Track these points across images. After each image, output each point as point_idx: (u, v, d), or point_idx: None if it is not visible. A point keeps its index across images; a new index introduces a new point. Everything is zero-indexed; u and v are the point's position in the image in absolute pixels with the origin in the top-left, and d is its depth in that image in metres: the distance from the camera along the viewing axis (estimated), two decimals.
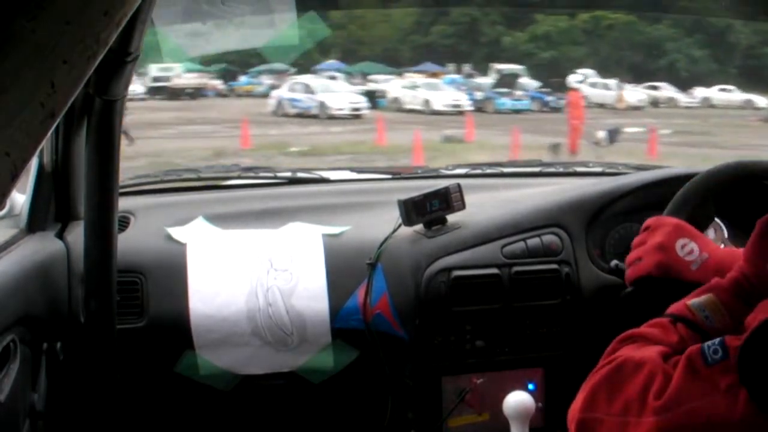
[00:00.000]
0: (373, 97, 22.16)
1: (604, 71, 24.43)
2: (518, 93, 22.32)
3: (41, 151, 1.63)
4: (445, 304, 1.70)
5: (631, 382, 1.00)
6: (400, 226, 1.77)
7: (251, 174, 2.20)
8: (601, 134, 13.59)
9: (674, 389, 0.96)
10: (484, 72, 27.31)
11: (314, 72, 26.89)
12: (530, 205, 1.83)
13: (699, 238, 1.35)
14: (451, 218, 1.80)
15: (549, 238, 1.76)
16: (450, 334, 1.72)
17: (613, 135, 13.61)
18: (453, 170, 2.25)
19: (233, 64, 30.54)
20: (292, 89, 21.44)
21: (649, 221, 1.42)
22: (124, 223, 1.83)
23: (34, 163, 1.64)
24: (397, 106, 21.82)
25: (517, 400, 1.57)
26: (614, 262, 1.71)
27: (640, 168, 2.15)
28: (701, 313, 1.10)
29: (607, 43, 29.71)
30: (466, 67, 29.65)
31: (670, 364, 0.99)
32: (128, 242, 1.70)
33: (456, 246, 1.74)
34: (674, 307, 1.14)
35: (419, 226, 1.79)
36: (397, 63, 30.62)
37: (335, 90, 21.65)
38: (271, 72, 29.33)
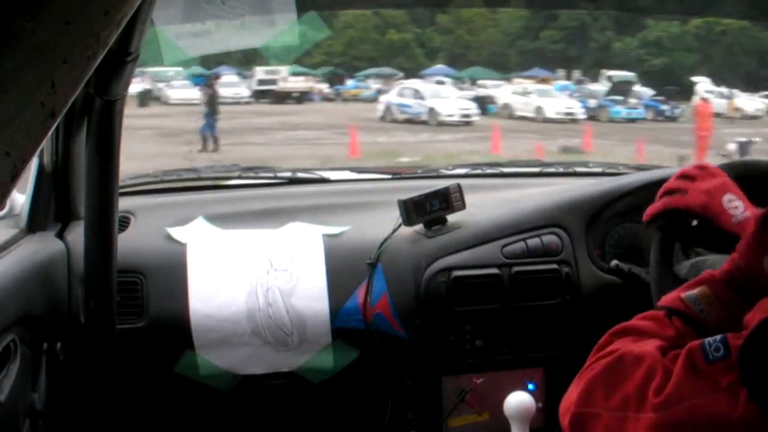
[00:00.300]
0: (482, 103, 21.26)
1: (718, 79, 23.33)
2: (633, 101, 21.44)
3: (41, 151, 1.63)
4: (445, 304, 1.70)
5: (631, 377, 0.98)
6: (400, 226, 1.77)
7: (251, 174, 2.20)
8: (732, 147, 12.86)
9: (674, 386, 0.94)
10: (594, 78, 26.38)
11: (421, 77, 26.28)
12: (530, 205, 1.83)
13: (745, 199, 1.35)
14: (451, 218, 1.80)
15: (549, 238, 1.76)
16: (450, 334, 1.72)
17: (744, 148, 12.75)
18: (453, 170, 2.25)
19: (340, 67, 29.84)
20: (401, 94, 20.71)
21: (705, 164, 1.41)
22: (124, 223, 1.83)
23: (34, 163, 1.64)
24: (507, 113, 21.01)
25: (518, 400, 1.57)
26: (614, 262, 1.71)
27: (640, 168, 2.15)
28: (696, 307, 1.09)
29: (720, 50, 28.53)
30: (576, 73, 28.69)
31: (668, 359, 0.98)
32: (128, 242, 1.70)
33: (456, 246, 1.74)
34: (667, 300, 1.13)
35: (419, 226, 1.79)
36: (505, 68, 29.73)
37: (445, 95, 20.82)
38: (378, 76, 28.82)
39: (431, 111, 19.43)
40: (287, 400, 1.88)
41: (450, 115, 19.20)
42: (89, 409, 1.68)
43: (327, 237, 1.79)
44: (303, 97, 26.01)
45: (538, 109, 20.73)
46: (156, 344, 1.70)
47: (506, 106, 21.81)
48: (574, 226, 1.78)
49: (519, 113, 20.96)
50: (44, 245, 1.62)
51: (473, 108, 19.99)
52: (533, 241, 1.76)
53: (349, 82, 29.58)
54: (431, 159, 12.33)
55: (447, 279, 1.70)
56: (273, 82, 25.88)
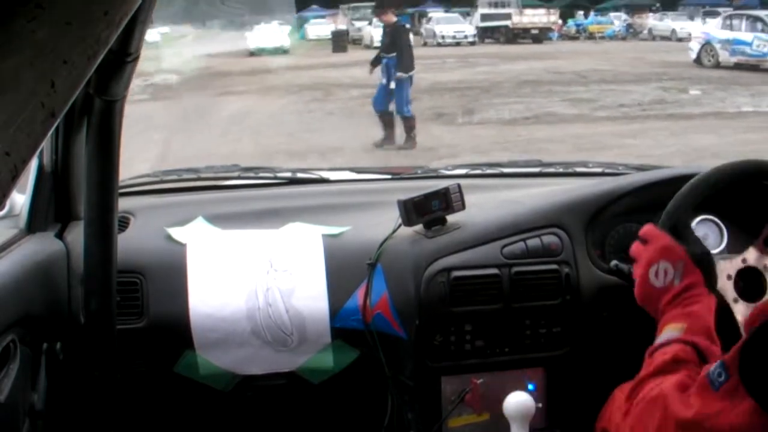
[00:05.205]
0: None
1: None
2: None
3: (41, 151, 1.63)
4: (445, 305, 1.70)
5: (655, 416, 1.11)
6: (400, 226, 1.77)
7: (251, 174, 2.20)
8: None
9: (695, 414, 1.05)
10: None
11: (679, 6, 18.75)
12: (530, 206, 1.83)
13: (678, 260, 1.38)
14: (451, 218, 1.80)
15: (549, 239, 1.76)
16: (450, 334, 1.72)
17: None
18: (453, 170, 2.25)
19: None
20: (728, 26, 14.36)
21: (643, 231, 1.46)
22: (124, 223, 1.83)
23: (34, 163, 1.64)
24: None
25: (518, 400, 1.57)
26: (614, 262, 1.71)
27: (640, 168, 2.15)
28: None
29: None
30: None
31: (687, 395, 1.08)
32: (128, 242, 1.70)
33: (456, 246, 1.74)
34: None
35: (419, 227, 1.79)
36: None
37: None
38: (628, 7, 23.97)
39: None
40: (287, 400, 1.88)
41: None
42: (89, 409, 1.68)
43: (327, 237, 1.79)
44: (542, 35, 21.44)
45: None
46: (156, 344, 1.70)
47: None
48: (574, 227, 1.78)
49: None
50: (44, 245, 1.62)
51: None
52: (533, 242, 1.75)
53: (579, 16, 24.62)
54: None
55: (447, 279, 1.70)
56: (503, 17, 21.57)
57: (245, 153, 8.02)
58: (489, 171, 2.25)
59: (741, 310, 1.46)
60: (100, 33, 0.57)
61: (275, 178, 2.17)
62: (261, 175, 2.20)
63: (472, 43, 20.67)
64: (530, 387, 1.77)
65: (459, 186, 1.80)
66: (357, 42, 19.41)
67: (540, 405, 1.73)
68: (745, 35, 13.63)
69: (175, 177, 2.12)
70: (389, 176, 2.26)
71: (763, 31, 13.59)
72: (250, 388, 1.79)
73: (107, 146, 1.46)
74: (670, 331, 1.28)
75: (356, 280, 1.72)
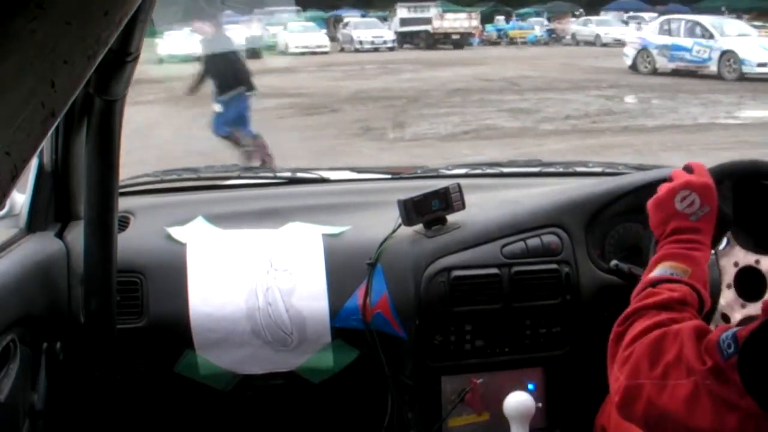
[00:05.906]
0: None
1: None
2: None
3: (41, 151, 1.63)
4: (445, 304, 1.70)
5: (670, 351, 1.11)
6: (399, 226, 1.77)
7: (251, 174, 2.20)
8: None
9: (705, 374, 1.05)
10: None
11: (600, 12, 18.61)
12: (530, 205, 1.83)
13: (707, 203, 1.35)
14: (451, 218, 1.80)
15: (549, 238, 1.76)
16: (450, 334, 1.72)
17: None
18: (453, 170, 2.25)
19: (502, 3, 24.07)
20: (666, 31, 13.77)
21: (694, 162, 1.43)
22: (124, 223, 1.83)
23: (34, 163, 1.64)
24: None
25: (518, 400, 1.57)
26: (614, 262, 1.71)
27: (640, 168, 2.15)
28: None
29: None
30: None
31: (702, 344, 1.08)
32: (128, 242, 1.70)
33: (456, 246, 1.74)
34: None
35: (419, 226, 1.79)
36: None
37: (745, 31, 13.13)
38: (551, 12, 23.78)
39: (726, 56, 12.38)
40: (287, 400, 1.88)
41: (763, 65, 12.12)
42: (89, 409, 1.68)
43: (327, 237, 1.79)
44: (463, 40, 21.26)
45: None
46: (156, 344, 1.70)
47: None
48: (574, 226, 1.78)
49: None
50: (44, 245, 1.62)
51: None
52: (533, 241, 1.76)
53: (506, 22, 24.67)
54: None
55: (447, 279, 1.70)
56: (424, 21, 21.20)
57: None
58: (489, 171, 2.25)
59: (727, 296, 1.47)
60: (100, 33, 0.57)
61: (275, 177, 2.17)
62: (261, 174, 2.20)
63: (392, 49, 20.19)
64: (530, 387, 1.77)
65: (459, 186, 1.80)
66: (271, 48, 18.71)
67: (540, 405, 1.73)
68: (685, 41, 13.24)
69: (174, 177, 2.12)
70: (389, 176, 2.26)
71: (703, 36, 13.23)
72: (250, 388, 1.79)
73: (107, 146, 1.46)
74: (673, 269, 1.26)
75: (356, 280, 1.72)
